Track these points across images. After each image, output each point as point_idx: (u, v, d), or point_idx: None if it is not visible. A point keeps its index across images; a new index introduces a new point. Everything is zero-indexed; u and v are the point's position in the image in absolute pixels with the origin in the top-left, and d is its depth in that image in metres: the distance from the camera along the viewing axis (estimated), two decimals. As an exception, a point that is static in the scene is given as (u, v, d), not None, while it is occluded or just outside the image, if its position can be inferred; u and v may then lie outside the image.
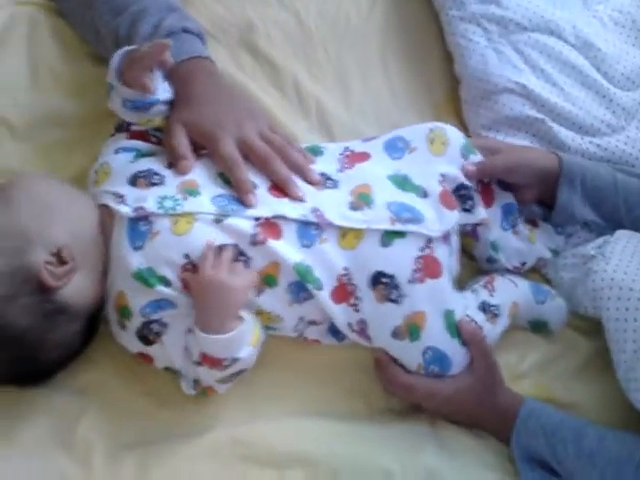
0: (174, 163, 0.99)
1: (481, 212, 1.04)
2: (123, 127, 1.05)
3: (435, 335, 0.98)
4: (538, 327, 1.08)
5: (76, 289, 0.93)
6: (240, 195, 0.97)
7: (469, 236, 1.08)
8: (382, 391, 1.03)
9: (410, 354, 0.99)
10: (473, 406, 1.00)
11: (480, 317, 1.02)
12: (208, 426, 0.98)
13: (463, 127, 1.19)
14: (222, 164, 0.99)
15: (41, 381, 0.96)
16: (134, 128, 1.04)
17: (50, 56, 1.17)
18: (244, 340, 0.93)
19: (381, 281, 0.96)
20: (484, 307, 1.03)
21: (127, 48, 1.00)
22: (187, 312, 0.94)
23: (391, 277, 0.96)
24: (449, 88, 1.25)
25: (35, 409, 0.97)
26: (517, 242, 1.08)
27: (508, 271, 1.09)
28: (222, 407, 0.99)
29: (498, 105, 1.18)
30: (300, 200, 0.98)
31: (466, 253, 1.10)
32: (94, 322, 0.97)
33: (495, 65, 1.19)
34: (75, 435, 0.96)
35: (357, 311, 0.97)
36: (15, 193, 0.95)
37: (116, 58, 0.99)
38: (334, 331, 1.01)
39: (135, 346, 0.96)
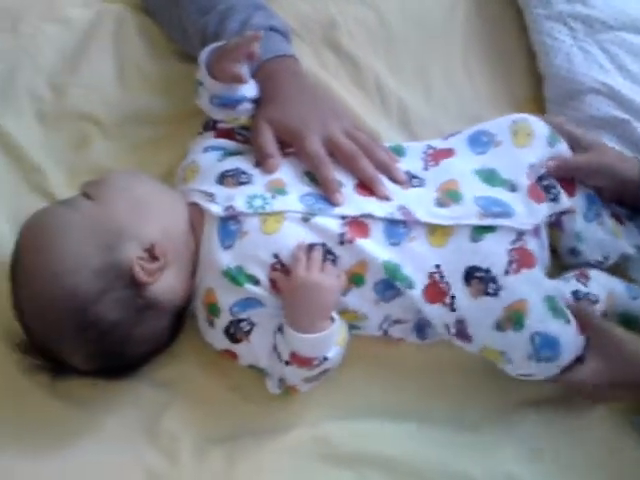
0: (261, 161, 1.00)
1: (566, 200, 1.03)
2: (210, 125, 1.06)
3: (539, 319, 0.95)
4: (628, 322, 1.04)
5: (166, 285, 0.94)
6: (327, 194, 0.97)
7: (554, 227, 1.06)
8: (462, 395, 1.03)
9: (517, 344, 0.95)
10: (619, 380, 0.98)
11: None
12: (292, 423, 0.99)
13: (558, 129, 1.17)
14: (309, 162, 1.00)
15: (127, 374, 0.98)
16: (221, 126, 1.06)
17: (137, 54, 1.19)
18: (333, 339, 0.94)
19: (475, 276, 0.95)
20: (578, 296, 1.01)
21: (216, 44, 1.01)
22: (275, 312, 0.95)
23: (486, 271, 0.95)
24: (531, 86, 1.23)
25: (121, 401, 0.99)
26: (601, 234, 1.05)
27: (591, 265, 1.07)
28: (306, 405, 1.00)
29: (584, 105, 1.16)
30: (386, 199, 0.98)
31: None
32: (181, 318, 0.99)
33: (581, 64, 1.17)
34: (161, 427, 0.98)
35: (453, 310, 0.96)
36: (108, 190, 0.97)
37: (205, 54, 1.01)
38: (419, 329, 1.01)
39: (222, 343, 0.97)
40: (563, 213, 1.04)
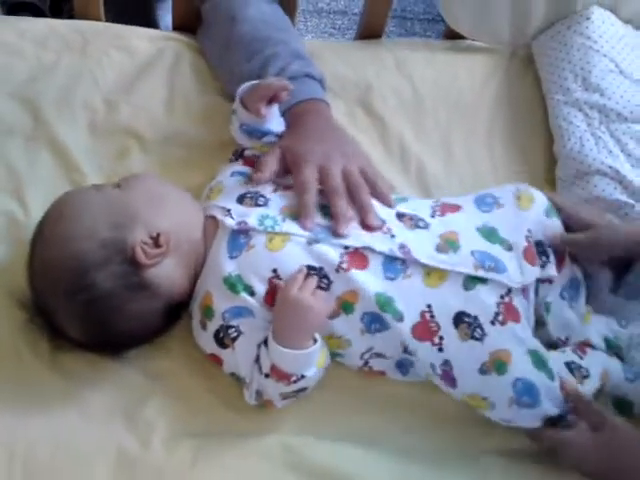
0: (255, 173, 1.08)
1: (552, 269, 1.06)
2: (238, 153, 1.15)
3: (522, 368, 0.99)
4: (622, 407, 1.06)
5: (163, 272, 1.01)
6: (300, 217, 1.03)
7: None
8: (439, 434, 1.05)
9: (500, 388, 0.99)
10: (596, 462, 0.99)
11: (568, 376, 1.03)
12: (264, 430, 1.02)
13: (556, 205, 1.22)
14: (297, 187, 1.06)
15: (115, 352, 1.04)
16: (247, 154, 1.14)
17: (186, 86, 1.30)
18: (313, 359, 0.99)
19: (464, 320, 1.00)
20: (571, 367, 1.04)
21: (254, 82, 1.11)
22: (263, 325, 1.00)
23: (474, 317, 1.00)
24: (548, 167, 1.30)
25: (110, 383, 1.04)
26: (569, 314, 1.08)
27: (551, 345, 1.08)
28: (282, 417, 1.04)
29: (590, 185, 1.22)
30: (341, 237, 1.02)
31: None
32: (174, 313, 1.05)
33: (591, 148, 1.24)
34: (140, 414, 1.02)
35: (441, 350, 1.00)
36: (135, 183, 1.06)
37: (242, 87, 1.12)
38: (400, 366, 1.05)
39: (210, 347, 1.02)
40: (543, 281, 1.07)
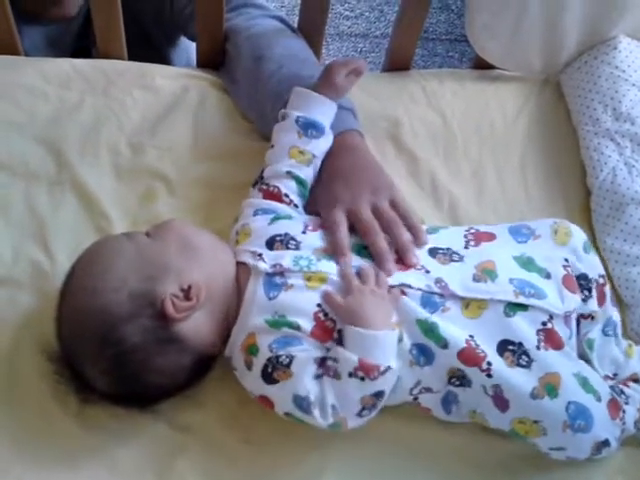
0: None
1: (594, 304, 1.05)
2: (258, 182, 1.13)
3: (572, 390, 0.98)
4: None
5: (193, 326, 0.98)
6: (335, 254, 1.02)
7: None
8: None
9: (554, 411, 0.97)
10: None
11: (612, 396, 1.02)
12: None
13: (592, 237, 1.21)
14: (329, 228, 1.05)
15: (144, 405, 1.01)
16: (269, 183, 1.11)
17: (212, 126, 1.28)
18: (394, 346, 0.96)
19: (508, 348, 0.98)
20: (615, 390, 1.03)
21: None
22: (313, 351, 0.97)
23: (518, 344, 0.98)
24: (583, 199, 1.28)
25: (137, 435, 1.02)
26: (616, 351, 1.07)
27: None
28: (316, 469, 1.01)
29: (625, 215, 1.20)
30: (390, 275, 1.01)
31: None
32: (203, 365, 1.02)
33: (624, 177, 1.22)
34: (172, 469, 0.99)
35: (490, 376, 0.98)
36: (165, 231, 1.04)
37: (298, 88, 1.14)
38: (445, 403, 1.02)
39: (258, 388, 0.98)
40: (585, 317, 1.06)
